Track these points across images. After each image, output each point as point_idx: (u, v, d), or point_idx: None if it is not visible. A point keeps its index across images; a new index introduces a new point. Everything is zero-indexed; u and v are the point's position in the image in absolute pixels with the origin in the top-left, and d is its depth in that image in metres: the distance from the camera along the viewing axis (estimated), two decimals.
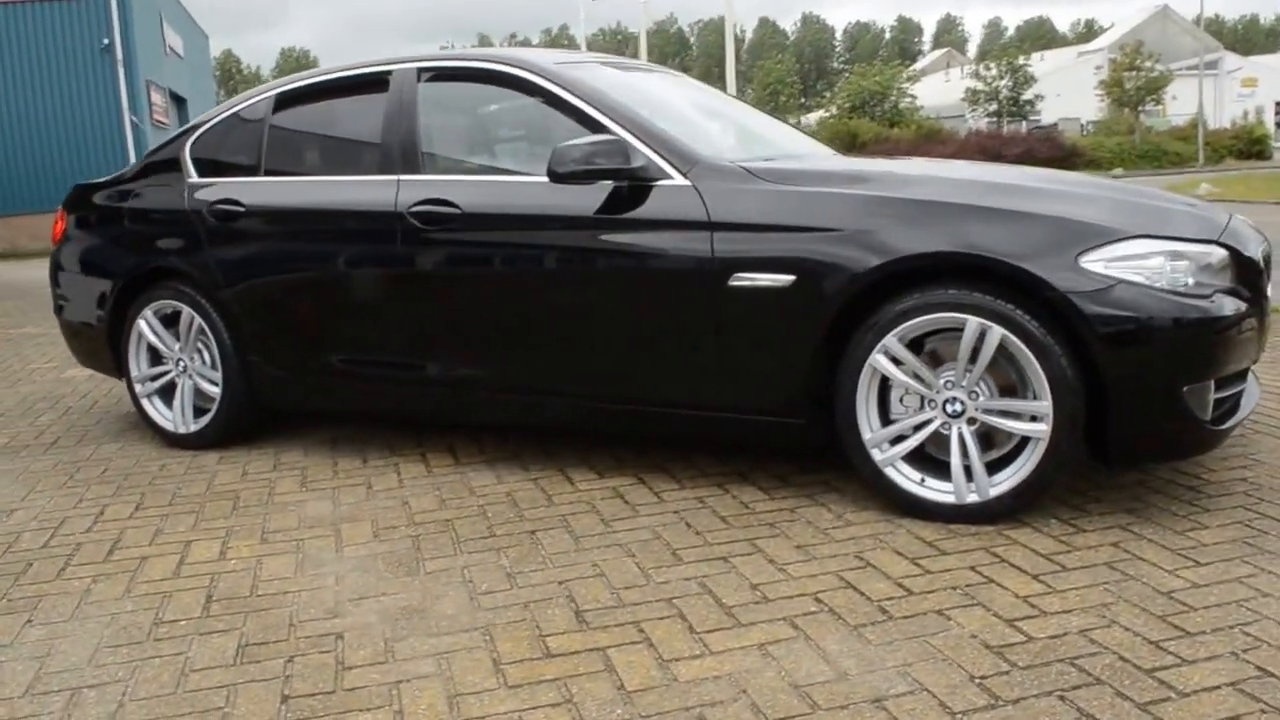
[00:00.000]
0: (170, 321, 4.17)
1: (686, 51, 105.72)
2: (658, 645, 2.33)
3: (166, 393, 4.24)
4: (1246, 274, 2.96)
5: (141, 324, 4.19)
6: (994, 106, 43.68)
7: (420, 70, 3.76)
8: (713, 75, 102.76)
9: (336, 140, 4.02)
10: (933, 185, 3.08)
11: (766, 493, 3.29)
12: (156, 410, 4.24)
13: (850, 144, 33.60)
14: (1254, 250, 3.02)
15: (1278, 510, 2.94)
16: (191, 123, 4.36)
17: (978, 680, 2.11)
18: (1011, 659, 2.18)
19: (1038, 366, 2.78)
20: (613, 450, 3.79)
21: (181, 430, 4.16)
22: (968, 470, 2.92)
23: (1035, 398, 2.81)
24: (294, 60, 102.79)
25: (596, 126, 3.36)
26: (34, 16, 17.69)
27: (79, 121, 17.89)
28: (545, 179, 3.28)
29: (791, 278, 3.01)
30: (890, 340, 2.93)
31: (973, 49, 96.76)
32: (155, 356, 4.25)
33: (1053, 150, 28.72)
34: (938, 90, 52.08)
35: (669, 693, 2.13)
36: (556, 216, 3.36)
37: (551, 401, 3.50)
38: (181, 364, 4.16)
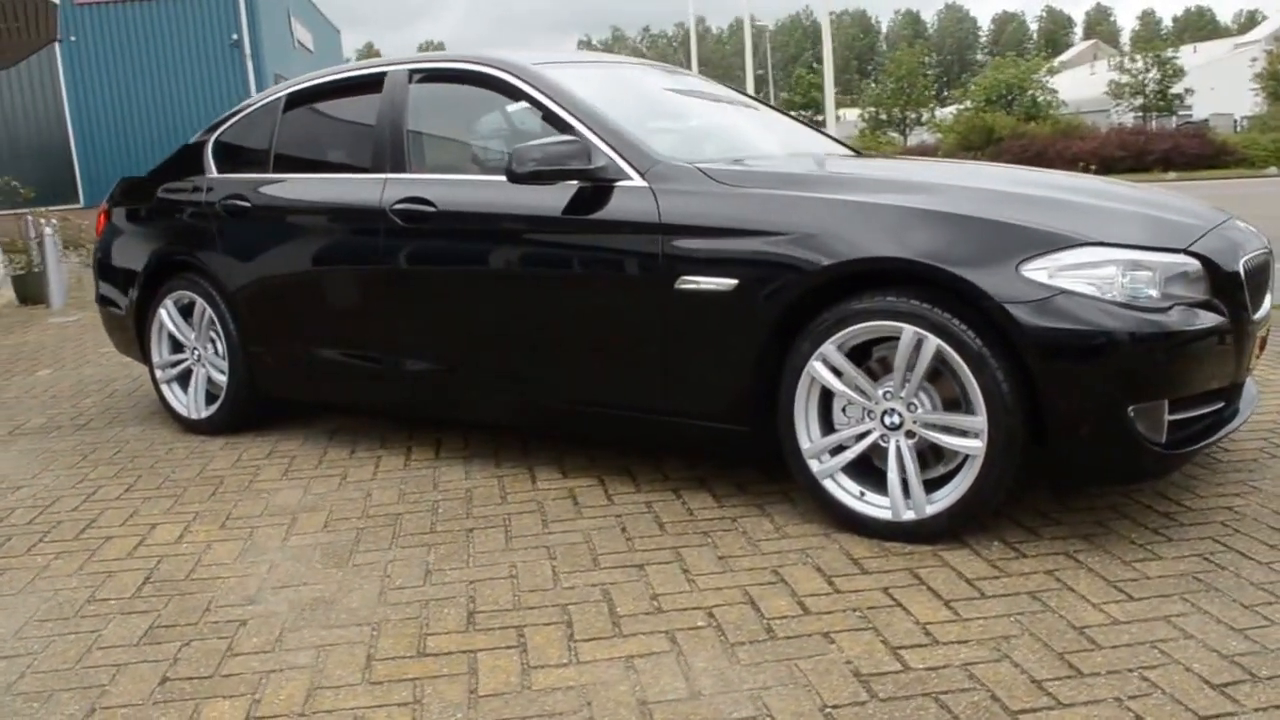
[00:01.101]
0: (188, 312, 4.37)
1: (820, 44, 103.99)
2: (530, 651, 2.31)
3: (186, 380, 4.45)
4: (1225, 286, 2.74)
5: (162, 313, 4.41)
6: (1140, 101, 41.41)
7: (411, 72, 3.83)
8: (850, 68, 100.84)
9: (335, 139, 4.13)
10: (891, 189, 2.96)
11: (718, 500, 3.23)
12: (175, 396, 4.45)
13: (986, 138, 32.51)
14: (1234, 261, 2.79)
15: (1247, 544, 2.71)
16: (217, 118, 4.54)
17: (828, 709, 2.02)
18: (875, 689, 2.09)
19: (973, 380, 2.64)
20: (589, 450, 3.78)
21: (195, 416, 4.36)
22: (907, 486, 2.80)
23: (973, 412, 2.68)
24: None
25: (564, 127, 3.35)
26: (168, 13, 18.78)
27: (210, 114, 18.80)
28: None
29: (734, 281, 2.94)
30: (828, 348, 2.83)
31: (1127, 42, 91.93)
32: (176, 345, 4.46)
33: (1201, 147, 26.94)
34: (1082, 83, 49.75)
35: (516, 700, 2.12)
36: (524, 216, 3.37)
37: (512, 402, 3.53)
38: (197, 353, 4.36)
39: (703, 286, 2.99)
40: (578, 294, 3.26)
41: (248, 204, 4.11)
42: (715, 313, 2.99)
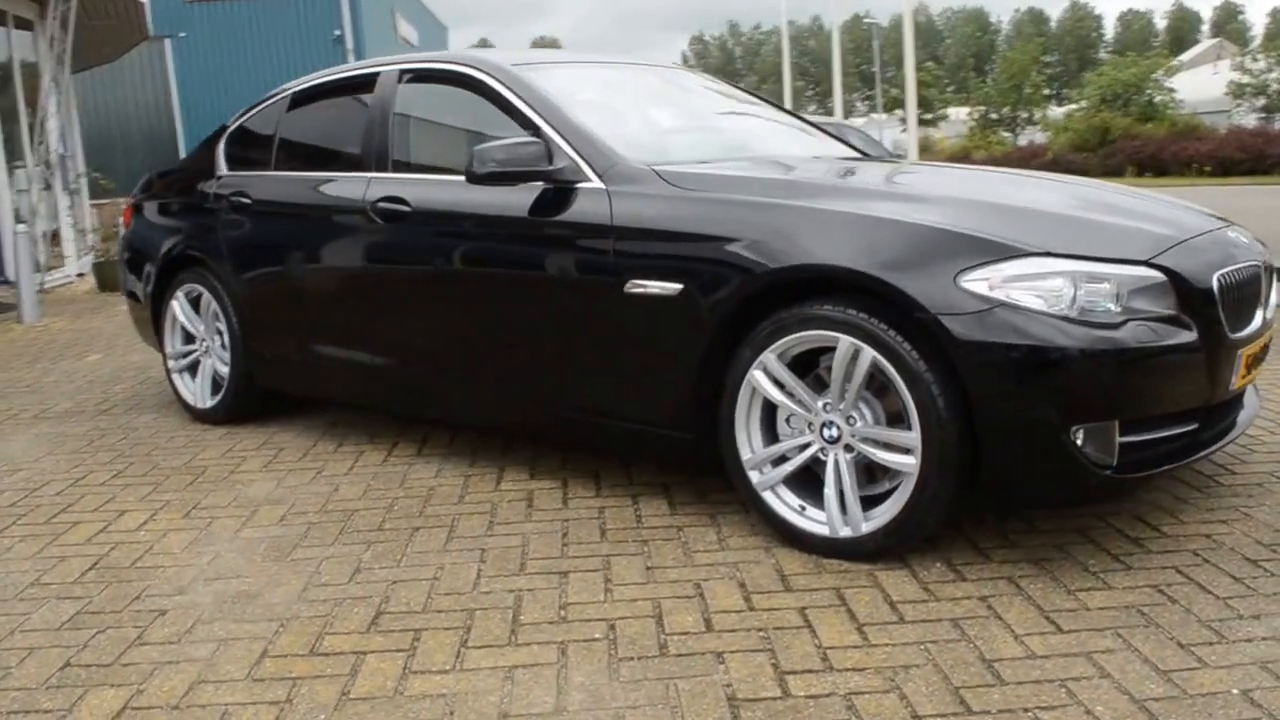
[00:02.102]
0: (197, 304, 4.48)
1: (938, 42, 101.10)
2: (418, 656, 2.29)
3: (196, 370, 4.57)
4: (1194, 300, 2.54)
5: (174, 305, 4.54)
6: (1262, 101, 39.17)
7: (401, 72, 3.85)
8: (967, 66, 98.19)
9: (330, 138, 4.16)
10: (846, 196, 2.83)
11: (675, 507, 3.15)
12: (185, 385, 4.57)
13: (1101, 139, 31.34)
14: (1207, 274, 2.58)
15: (1210, 575, 2.51)
16: (233, 116, 4.65)
17: None
18: (743, 715, 1.99)
19: (907, 394, 2.51)
20: (564, 452, 3.74)
21: (201, 406, 4.47)
22: (845, 502, 2.68)
23: (908, 428, 2.54)
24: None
25: (530, 127, 3.31)
26: (274, 10, 19.50)
27: None
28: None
29: (679, 286, 2.86)
30: (768, 357, 2.72)
31: (1259, 40, 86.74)
32: (188, 336, 4.58)
33: None
34: (1203, 83, 47.23)
35: (382, 706, 2.09)
36: (492, 218, 3.34)
37: (473, 402, 3.52)
38: (205, 344, 4.47)
39: (650, 290, 2.92)
40: (536, 296, 3.22)
41: (247, 201, 4.19)
42: (661, 317, 2.91)
